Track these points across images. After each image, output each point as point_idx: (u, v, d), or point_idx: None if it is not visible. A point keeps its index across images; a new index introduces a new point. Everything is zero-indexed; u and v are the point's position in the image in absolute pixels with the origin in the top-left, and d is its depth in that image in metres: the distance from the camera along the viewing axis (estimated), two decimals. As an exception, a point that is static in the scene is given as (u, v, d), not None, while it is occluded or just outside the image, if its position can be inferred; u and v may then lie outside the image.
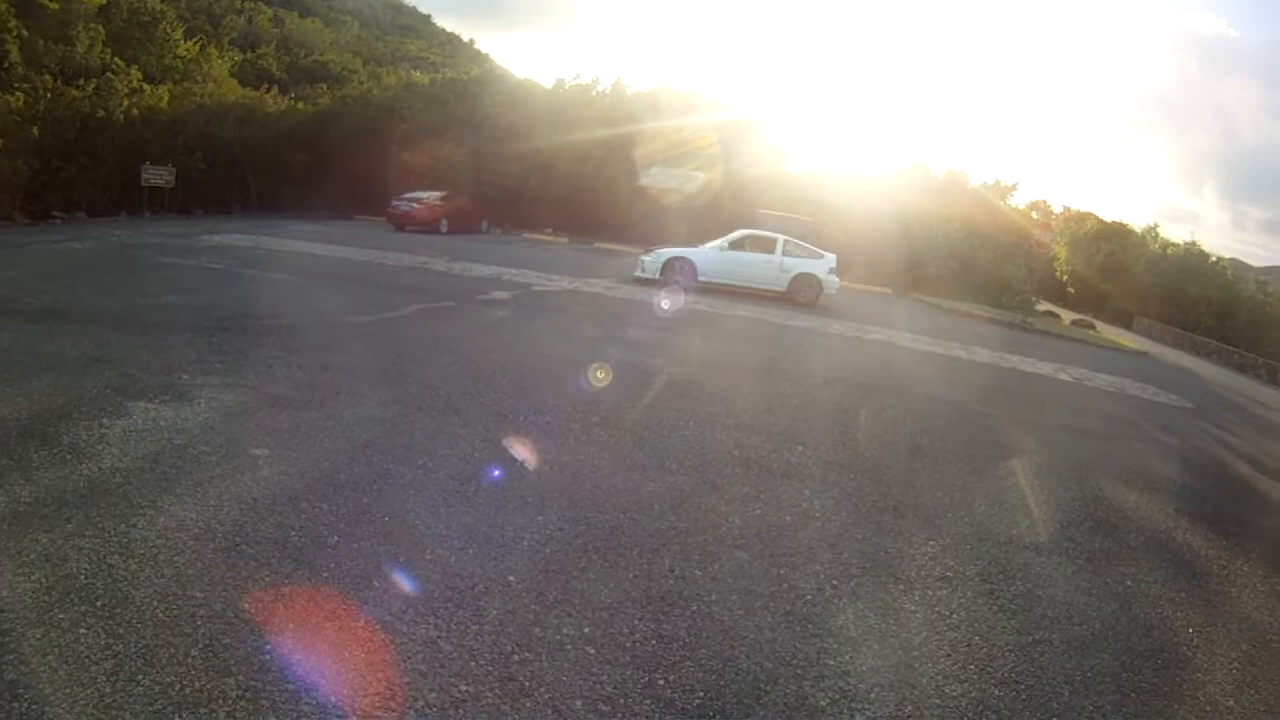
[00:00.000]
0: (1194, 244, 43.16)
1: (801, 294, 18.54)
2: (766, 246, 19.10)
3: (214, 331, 9.21)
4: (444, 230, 27.43)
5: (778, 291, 18.54)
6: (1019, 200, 36.24)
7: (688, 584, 4.14)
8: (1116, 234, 43.51)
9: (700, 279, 18.55)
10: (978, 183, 33.22)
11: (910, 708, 3.32)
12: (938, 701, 3.39)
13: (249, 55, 49.38)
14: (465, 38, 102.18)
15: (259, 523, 4.43)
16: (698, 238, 25.65)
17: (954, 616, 4.19)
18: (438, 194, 28.41)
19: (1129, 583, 5.06)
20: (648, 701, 3.15)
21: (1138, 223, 48.66)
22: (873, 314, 18.62)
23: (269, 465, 5.26)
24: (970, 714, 3.35)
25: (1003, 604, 4.44)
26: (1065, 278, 35.64)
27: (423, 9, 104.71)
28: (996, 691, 3.56)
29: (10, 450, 5.33)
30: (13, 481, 4.83)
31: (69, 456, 5.29)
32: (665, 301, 15.21)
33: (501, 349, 9.88)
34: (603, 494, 5.31)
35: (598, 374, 8.76)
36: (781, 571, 4.40)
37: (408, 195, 27.97)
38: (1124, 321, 36.43)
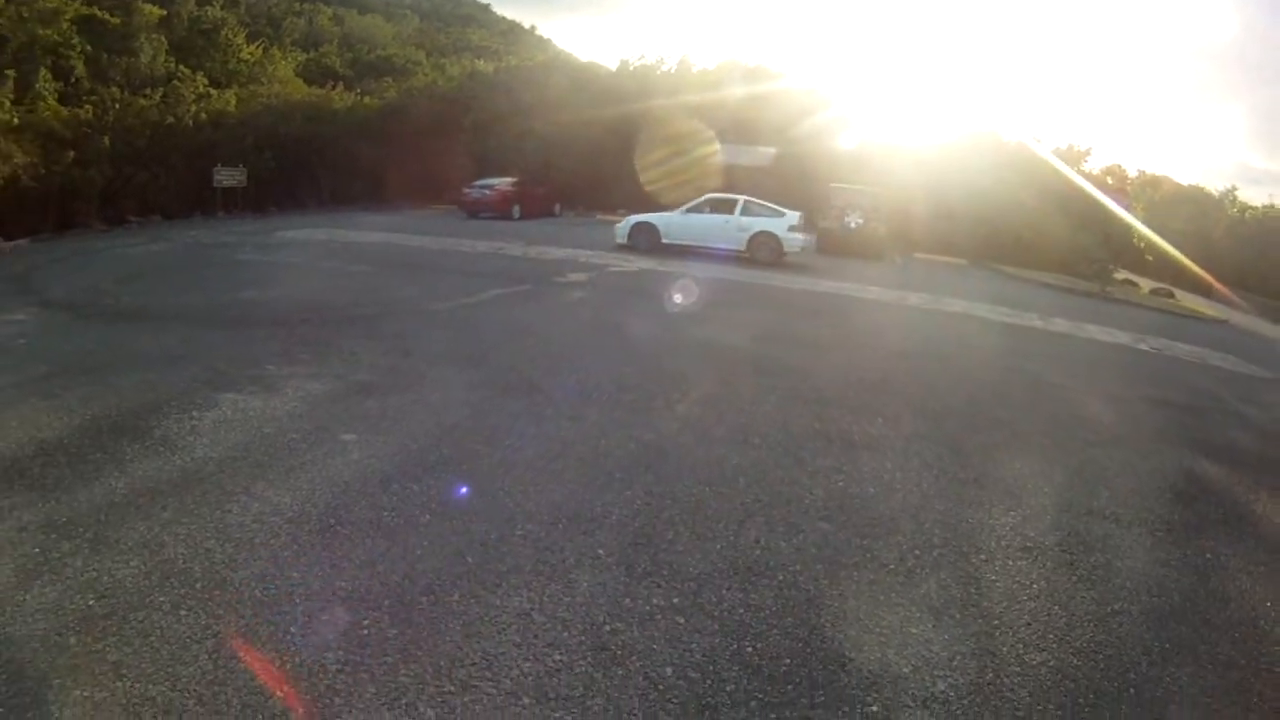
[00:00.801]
0: (1273, 207, 41.73)
1: (760, 251, 18.44)
2: (726, 208, 19.26)
3: (296, 324, 9.49)
4: (516, 215, 27.44)
5: (738, 250, 18.61)
6: (1093, 165, 35.21)
7: (773, 554, 4.21)
8: (1193, 198, 42.28)
9: (663, 241, 19.00)
10: (1051, 148, 32.29)
11: (991, 675, 3.35)
12: (1018, 670, 3.42)
13: (312, 54, 50.14)
14: (526, 24, 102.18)
15: (351, 505, 4.61)
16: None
17: (1034, 586, 4.19)
18: (509, 180, 28.56)
19: (1208, 555, 4.97)
20: (736, 668, 3.24)
21: (1215, 186, 47.17)
22: (948, 285, 18.27)
23: (359, 449, 5.45)
24: (1049, 683, 3.37)
25: (1082, 574, 4.42)
26: (1142, 244, 34.66)
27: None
28: (1075, 661, 3.57)
29: (104, 445, 5.59)
30: (108, 474, 5.08)
31: (161, 448, 5.54)
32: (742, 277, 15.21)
33: (581, 330, 10.05)
34: (688, 468, 5.40)
35: (677, 351, 8.86)
36: (865, 542, 4.44)
37: (479, 182, 28.16)
38: (1203, 289, 35.28)
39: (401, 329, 9.31)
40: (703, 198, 20.04)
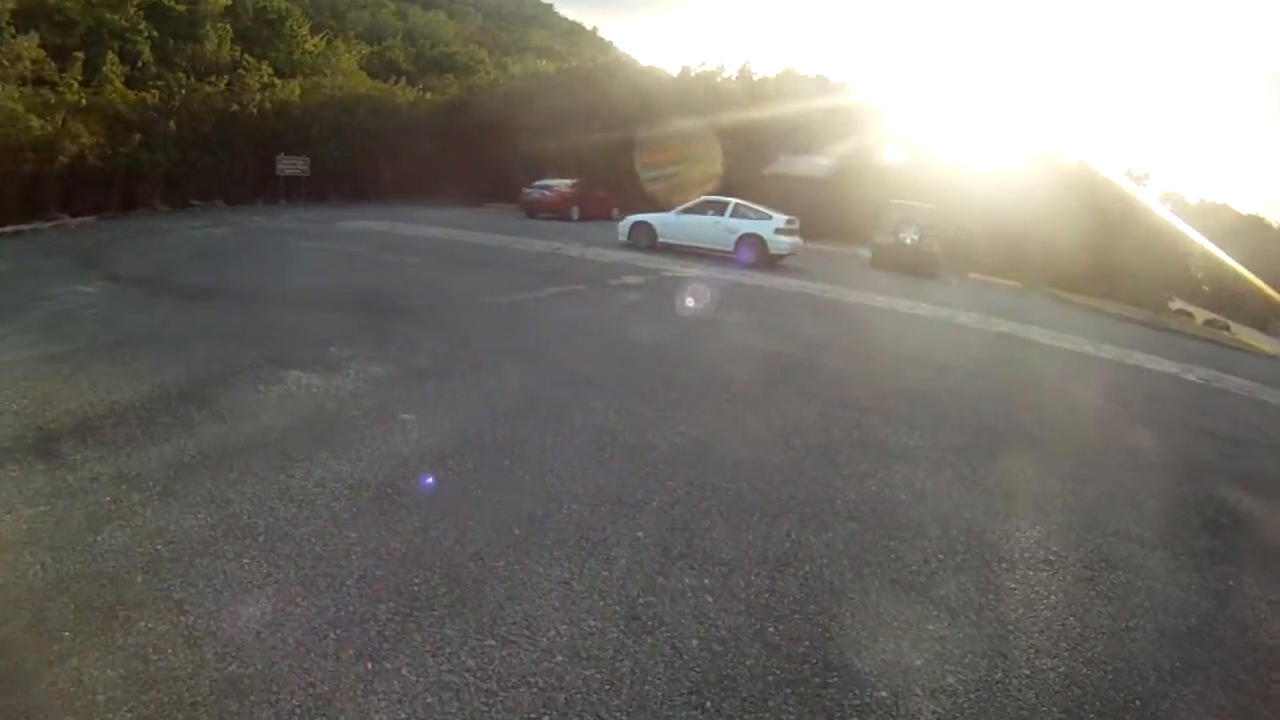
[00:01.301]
0: (1335, 238, 40.75)
1: (746, 253, 19.16)
2: (718, 209, 20.13)
3: (358, 310, 9.85)
4: (575, 217, 27.71)
5: (726, 252, 19.34)
6: (1151, 192, 34.72)
7: (802, 548, 4.43)
8: (1253, 228, 41.44)
9: (660, 240, 20.13)
10: (1110, 173, 31.88)
11: (1000, 674, 3.50)
12: (1027, 672, 3.56)
13: (375, 48, 50.81)
14: (588, 25, 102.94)
15: (408, 477, 4.93)
16: (826, 225, 25.59)
17: (1051, 597, 4.30)
18: (568, 181, 28.86)
19: (1231, 582, 5.00)
20: (757, 645, 3.46)
21: (1276, 217, 46.21)
22: (999, 306, 18.23)
23: (416, 428, 5.79)
24: (1057, 687, 3.49)
25: (1101, 590, 4.50)
26: (1200, 274, 34.11)
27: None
28: (1084, 670, 3.67)
29: (172, 409, 5.99)
30: (177, 436, 5.47)
31: (228, 415, 5.93)
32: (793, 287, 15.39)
33: (634, 330, 10.29)
34: (728, 464, 5.63)
35: (727, 356, 9.06)
36: (890, 543, 4.63)
37: (539, 183, 28.49)
38: (1260, 323, 34.62)
39: (459, 320, 9.65)
40: (698, 199, 20.88)
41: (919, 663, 3.49)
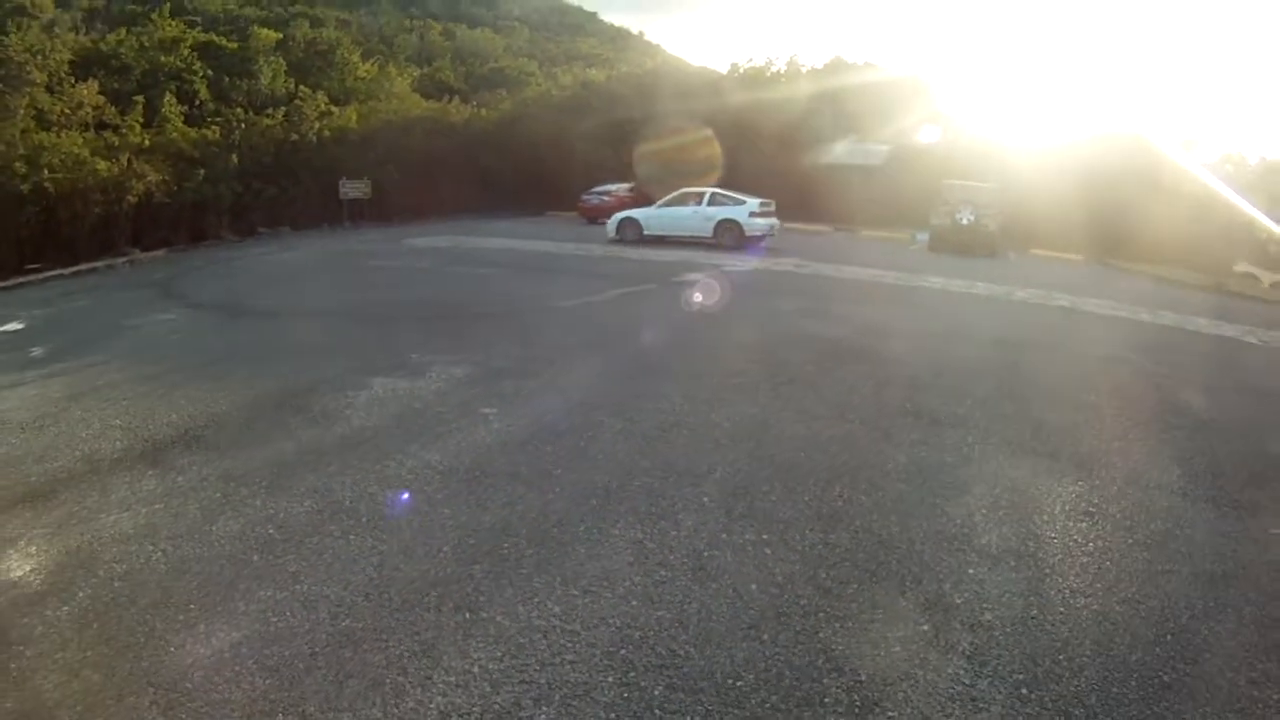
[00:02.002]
0: None
1: (724, 238, 20.18)
2: (696, 199, 21.22)
3: (433, 320, 10.44)
4: None
5: (706, 238, 20.27)
6: (1209, 153, 33.77)
7: (853, 506, 4.81)
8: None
9: (645, 233, 21.11)
10: (1166, 139, 31.21)
11: (1035, 611, 3.77)
12: (1061, 610, 3.81)
13: (426, 70, 51.77)
14: (634, 30, 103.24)
15: (493, 461, 5.48)
16: (883, 212, 25.76)
17: (1090, 545, 4.52)
18: (625, 186, 29.18)
19: (1273, 531, 5.02)
20: (810, 588, 3.87)
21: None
22: (1058, 280, 17.93)
23: (498, 420, 6.34)
24: (1090, 623, 3.73)
25: (1139, 538, 4.67)
26: (1264, 235, 33.02)
27: (588, 6, 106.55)
28: (1118, 608, 3.88)
29: (269, 416, 6.63)
30: (277, 439, 6.09)
31: (322, 419, 6.54)
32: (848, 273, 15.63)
33: (696, 325, 10.75)
34: (786, 438, 6.04)
35: (783, 342, 9.39)
36: (936, 500, 4.97)
37: (597, 189, 28.86)
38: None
39: (530, 324, 10.18)
40: (676, 192, 21.86)
41: (959, 601, 3.79)
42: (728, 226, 20.36)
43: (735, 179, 31.15)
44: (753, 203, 20.62)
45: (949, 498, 5.03)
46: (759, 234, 20.30)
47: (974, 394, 7.44)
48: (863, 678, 3.22)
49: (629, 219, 21.75)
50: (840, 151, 30.69)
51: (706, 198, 21.16)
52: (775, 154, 30.54)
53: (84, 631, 3.73)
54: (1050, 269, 21.24)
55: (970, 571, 4.10)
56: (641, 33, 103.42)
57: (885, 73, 34.84)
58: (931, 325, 11.13)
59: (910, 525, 4.59)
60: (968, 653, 3.41)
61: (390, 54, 51.05)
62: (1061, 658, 3.40)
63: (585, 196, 28.68)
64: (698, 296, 12.95)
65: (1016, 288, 15.88)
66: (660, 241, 20.60)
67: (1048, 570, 4.18)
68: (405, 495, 4.95)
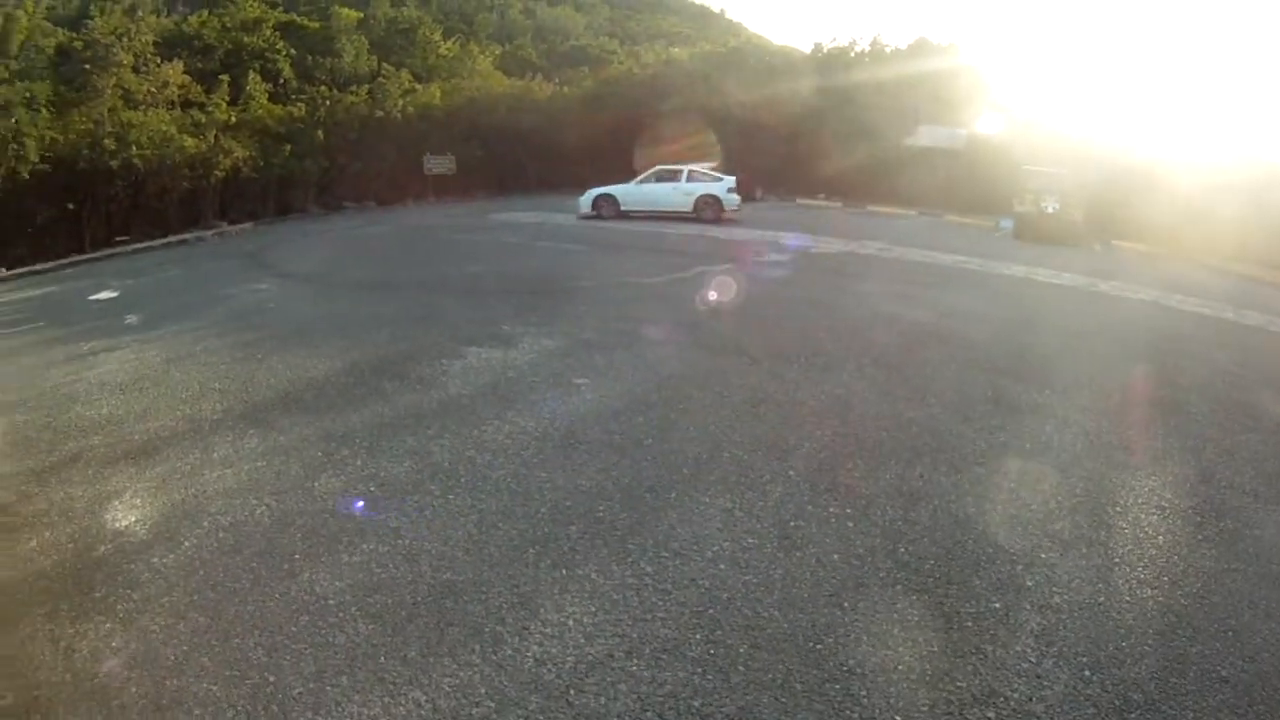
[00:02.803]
0: None
1: (704, 212, 21.19)
2: (673, 176, 22.06)
3: (523, 294, 10.77)
4: None
5: (686, 212, 21.24)
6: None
7: (933, 486, 4.99)
8: None
9: (622, 209, 21.67)
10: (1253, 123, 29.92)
11: (1103, 598, 3.87)
12: (1128, 599, 3.89)
13: (507, 47, 51.97)
14: (715, 8, 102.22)
15: (587, 429, 5.78)
16: (965, 196, 25.53)
17: (1159, 538, 4.58)
18: (709, 164, 29.21)
19: None
20: (889, 561, 4.07)
21: None
22: (1143, 274, 17.44)
23: (590, 391, 6.66)
24: (1154, 614, 3.80)
25: (1208, 535, 4.69)
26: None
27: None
28: (1182, 602, 3.92)
29: (367, 382, 6.99)
30: (375, 403, 6.44)
31: (419, 386, 6.89)
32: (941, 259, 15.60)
33: (782, 303, 10.88)
34: (869, 417, 6.24)
35: (869, 324, 9.52)
36: (1013, 486, 5.11)
37: (681, 167, 29.09)
38: None
39: (618, 299, 10.44)
40: (652, 169, 22.67)
41: (1030, 584, 3.92)
42: (708, 201, 21.35)
43: (814, 162, 31.08)
44: (729, 180, 21.69)
45: (1025, 483, 5.16)
46: (734, 208, 21.43)
47: (1053, 384, 7.48)
48: (935, 648, 3.39)
49: (606, 195, 22.14)
50: (924, 134, 30.26)
51: (685, 175, 21.98)
52: (858, 136, 30.19)
53: (190, 578, 4.00)
54: (1134, 262, 20.65)
55: (1042, 555, 4.22)
56: (723, 11, 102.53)
57: (968, 54, 34.11)
58: (1013, 313, 11.09)
59: (986, 508, 4.75)
60: (1035, 632, 3.54)
61: (471, 32, 51.55)
62: (1125, 644, 3.50)
63: None
64: (781, 276, 13.11)
65: (1100, 280, 15.60)
66: (745, 222, 20.77)
67: (1117, 560, 4.26)
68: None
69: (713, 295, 11.07)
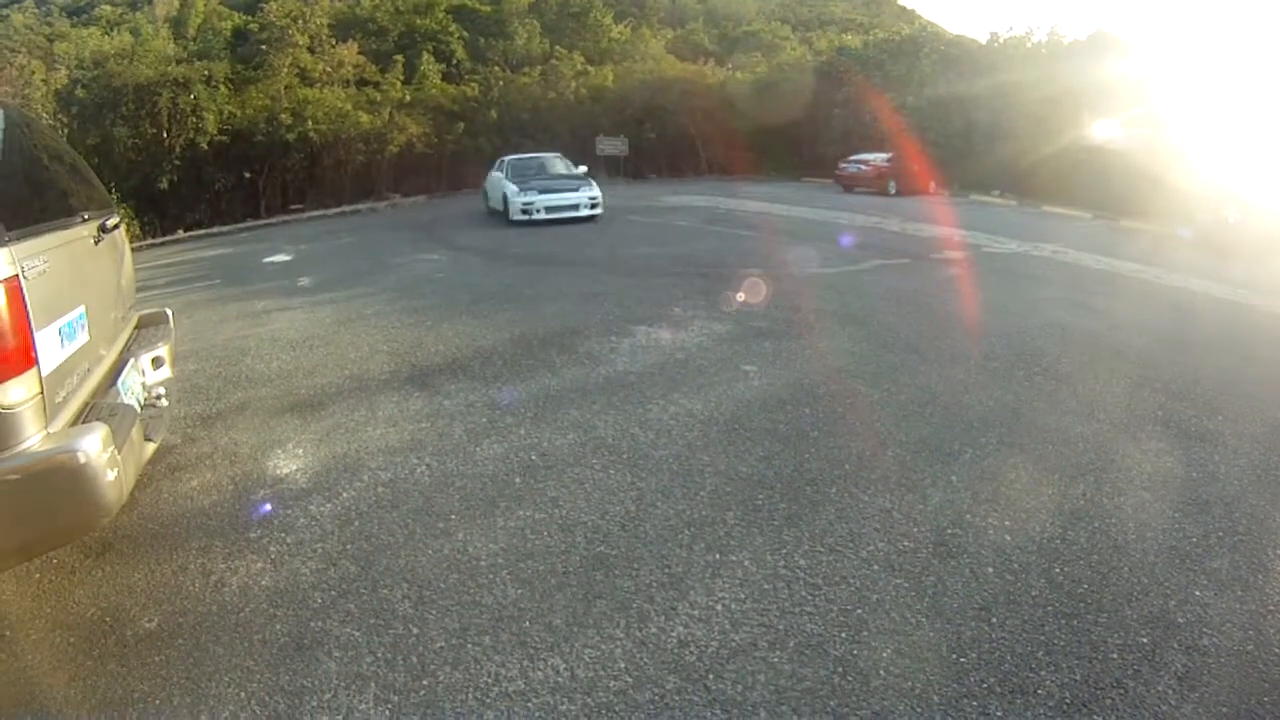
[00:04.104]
0: None
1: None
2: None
3: (693, 276, 11.05)
4: (892, 191, 27.82)
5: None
6: None
7: (1094, 507, 4.95)
8: None
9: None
10: None
11: (1252, 646, 3.68)
12: (1278, 651, 3.68)
13: (679, 31, 52.46)
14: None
15: (752, 416, 6.01)
16: (1141, 200, 24.24)
17: None
18: (884, 155, 28.82)
19: None
20: (1042, 580, 4.08)
21: None
22: None
23: (758, 378, 6.88)
24: None
25: None
26: None
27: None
28: None
29: (536, 354, 7.38)
30: (541, 375, 6.81)
31: (586, 360, 7.24)
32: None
33: (955, 303, 10.82)
34: (1035, 428, 6.18)
35: (1039, 331, 9.31)
36: (1174, 514, 4.99)
37: (854, 157, 28.74)
38: None
39: (789, 288, 10.58)
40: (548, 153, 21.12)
41: (1180, 621, 3.84)
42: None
43: (992, 153, 30.07)
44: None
45: (1188, 514, 5.05)
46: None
47: (1225, 410, 7.18)
48: (1077, 676, 3.38)
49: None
50: (1100, 132, 28.83)
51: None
52: (1034, 131, 29.11)
53: (345, 528, 4.31)
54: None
55: (1196, 593, 4.12)
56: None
57: (1149, 47, 32.28)
58: (1189, 331, 10.58)
59: (1146, 535, 4.70)
60: (1179, 673, 3.47)
61: (642, 16, 51.99)
62: (1267, 700, 3.39)
63: (843, 164, 28.69)
64: (955, 274, 12.98)
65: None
66: (917, 217, 20.25)
67: (1272, 606, 4.10)
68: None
69: (885, 289, 11.08)
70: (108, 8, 51.42)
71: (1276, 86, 28.52)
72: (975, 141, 31.64)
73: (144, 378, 4.51)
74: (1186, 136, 26.87)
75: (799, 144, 34.07)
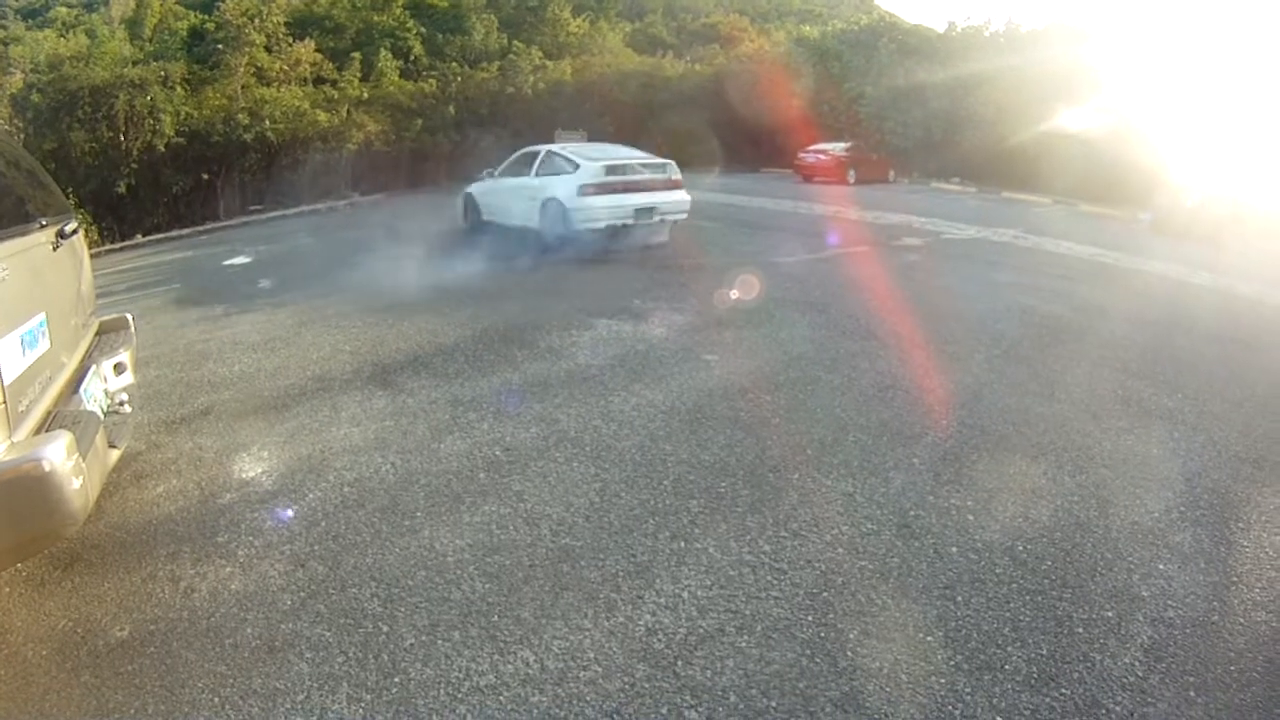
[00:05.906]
0: None
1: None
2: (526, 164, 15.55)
3: (653, 269, 11.03)
4: (851, 181, 28.14)
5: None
6: None
7: (1056, 485, 4.99)
8: None
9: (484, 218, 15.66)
10: None
11: (1216, 617, 3.77)
12: (1241, 621, 3.76)
13: (638, 24, 52.29)
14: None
15: (714, 405, 5.98)
16: (1101, 187, 24.68)
17: None
18: (843, 145, 29.15)
19: None
20: (1006, 558, 4.11)
21: None
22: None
23: (719, 367, 6.86)
24: (1266, 638, 3.66)
25: None
26: None
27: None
28: None
29: (496, 349, 7.31)
30: (502, 370, 6.77)
31: (548, 355, 7.19)
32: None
33: (914, 289, 10.81)
34: (997, 410, 6.23)
35: (999, 315, 9.40)
36: (1138, 491, 5.03)
37: (814, 148, 28.98)
38: None
39: (749, 278, 10.47)
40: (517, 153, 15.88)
41: (1145, 594, 3.88)
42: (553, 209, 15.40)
43: (951, 141, 30.39)
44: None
45: (1149, 490, 5.09)
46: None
47: (1185, 388, 7.27)
48: (1044, 651, 3.41)
49: (468, 195, 17.01)
50: (1060, 120, 29.18)
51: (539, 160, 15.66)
52: (992, 119, 29.48)
53: (312, 529, 4.27)
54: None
55: (1160, 567, 4.16)
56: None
57: (1107, 37, 32.64)
58: (1148, 312, 10.68)
59: (1109, 512, 4.73)
60: (1145, 645, 3.51)
61: (600, 9, 51.85)
62: (1233, 668, 3.42)
63: (802, 154, 28.89)
64: (914, 260, 13.08)
65: (1238, 280, 14.85)
66: (880, 204, 20.32)
67: (1235, 578, 4.15)
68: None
69: (845, 276, 11.16)
70: (63, 10, 50.71)
71: (1232, 74, 29.02)
72: (934, 130, 32.00)
73: (106, 384, 4.39)
74: (1145, 123, 27.31)
75: (758, 135, 34.19)
